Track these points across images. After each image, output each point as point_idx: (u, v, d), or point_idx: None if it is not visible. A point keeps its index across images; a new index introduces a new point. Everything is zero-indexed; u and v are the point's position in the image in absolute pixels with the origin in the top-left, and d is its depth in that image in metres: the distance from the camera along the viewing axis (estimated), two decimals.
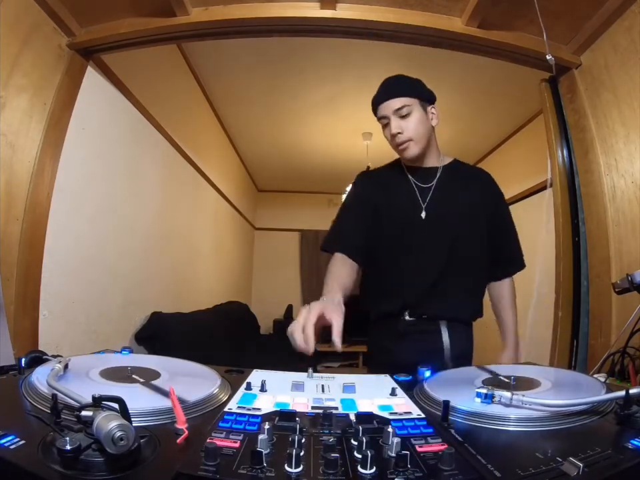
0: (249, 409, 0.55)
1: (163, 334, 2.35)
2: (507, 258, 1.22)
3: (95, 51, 1.70)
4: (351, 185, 1.30)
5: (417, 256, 1.15)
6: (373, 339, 1.23)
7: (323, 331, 0.85)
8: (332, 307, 0.88)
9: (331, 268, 1.12)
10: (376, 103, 1.15)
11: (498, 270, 1.21)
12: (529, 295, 2.01)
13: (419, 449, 0.44)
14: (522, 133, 3.56)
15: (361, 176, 1.30)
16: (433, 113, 1.15)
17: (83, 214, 1.81)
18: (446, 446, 0.44)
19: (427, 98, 1.14)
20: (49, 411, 0.46)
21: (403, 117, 1.10)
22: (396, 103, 1.10)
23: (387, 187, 1.22)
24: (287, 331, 0.81)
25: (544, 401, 0.53)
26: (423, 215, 1.15)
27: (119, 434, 0.37)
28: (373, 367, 1.23)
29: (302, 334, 0.78)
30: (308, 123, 3.76)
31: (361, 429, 0.45)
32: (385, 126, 1.15)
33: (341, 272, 1.10)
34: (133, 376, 0.62)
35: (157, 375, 0.64)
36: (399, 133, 1.11)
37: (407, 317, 1.13)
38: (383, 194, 1.20)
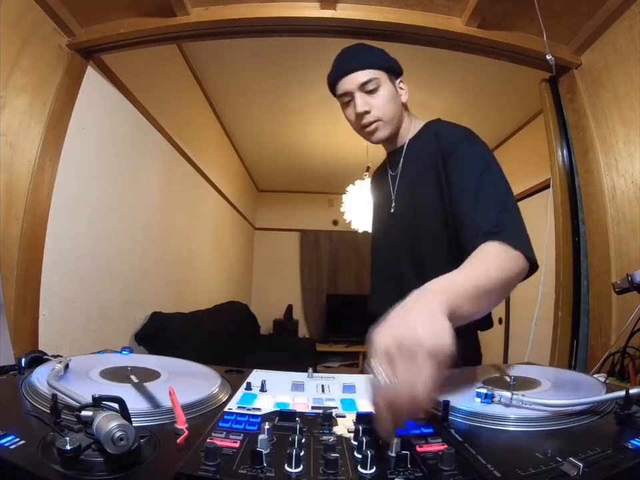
0: (249, 409, 0.55)
1: (163, 334, 2.35)
2: (460, 227, 0.82)
3: (95, 50, 1.70)
4: None
5: (386, 255, 1.02)
6: None
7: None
8: None
9: None
10: (334, 78, 0.95)
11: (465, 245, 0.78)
12: (534, 295, 2.02)
13: (419, 449, 0.44)
14: (522, 132, 3.56)
15: (371, 177, 1.22)
16: (401, 88, 0.99)
17: (83, 214, 1.81)
18: (446, 446, 0.44)
19: (394, 70, 0.98)
20: (48, 411, 0.46)
21: (370, 92, 0.92)
22: (361, 75, 0.92)
23: (376, 183, 1.12)
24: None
25: (544, 401, 0.53)
26: (393, 208, 0.99)
27: (118, 434, 0.37)
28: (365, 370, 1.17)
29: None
30: (308, 122, 3.76)
31: (361, 428, 0.45)
32: (347, 104, 0.96)
33: None
34: (132, 376, 0.62)
35: (156, 374, 0.64)
36: (366, 111, 0.92)
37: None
38: (373, 193, 1.14)
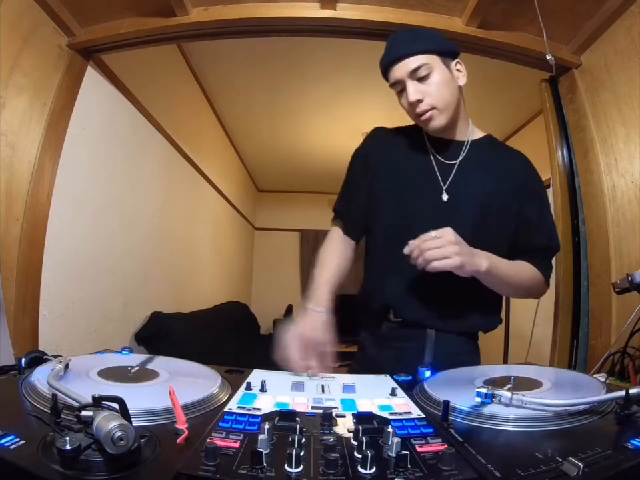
0: (249, 409, 0.55)
1: (163, 334, 2.35)
2: (531, 252, 0.96)
3: (95, 50, 1.70)
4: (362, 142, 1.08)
5: None
6: (360, 336, 1.08)
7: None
8: (317, 328, 0.86)
9: (323, 253, 1.02)
10: (385, 65, 0.91)
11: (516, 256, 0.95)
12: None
13: (418, 449, 0.44)
14: (522, 132, 3.56)
15: (373, 132, 1.08)
16: (459, 70, 0.93)
17: (83, 214, 1.81)
18: (446, 446, 0.44)
19: (449, 52, 0.92)
20: (49, 411, 0.46)
21: (422, 79, 0.88)
22: (412, 62, 0.87)
23: (401, 157, 1.00)
24: (277, 358, 0.80)
25: (544, 401, 0.53)
26: (445, 197, 0.94)
27: (118, 434, 0.37)
28: (352, 368, 1.07)
29: (297, 363, 0.77)
30: (308, 122, 3.76)
31: (361, 428, 0.45)
32: (400, 92, 0.92)
33: (334, 259, 1.01)
34: (132, 376, 0.62)
35: (156, 374, 0.64)
36: (419, 100, 0.88)
37: (392, 318, 0.97)
38: (395, 164, 1.00)
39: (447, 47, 0.93)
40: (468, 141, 0.98)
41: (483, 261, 0.83)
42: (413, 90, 0.88)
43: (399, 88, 0.92)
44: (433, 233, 0.79)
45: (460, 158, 0.96)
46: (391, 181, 1.00)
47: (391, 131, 1.06)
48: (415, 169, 0.98)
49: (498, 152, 1.00)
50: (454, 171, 0.95)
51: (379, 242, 1.02)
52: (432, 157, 0.97)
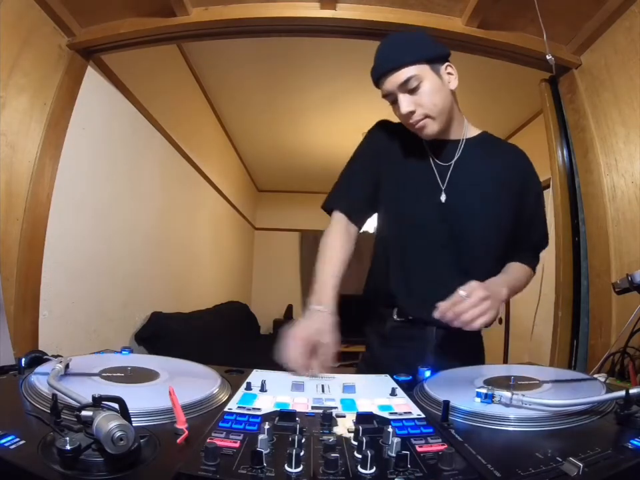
0: (249, 409, 0.55)
1: (163, 334, 2.35)
2: (524, 247, 1.04)
3: (95, 50, 1.70)
4: (366, 134, 1.08)
5: (427, 246, 0.97)
6: (366, 334, 1.09)
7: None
8: (322, 330, 0.84)
9: (325, 247, 1.01)
10: (376, 77, 0.92)
11: (514, 256, 1.03)
12: (534, 295, 2.01)
13: (418, 449, 0.44)
14: (522, 132, 3.56)
15: (380, 125, 1.07)
16: (449, 74, 0.92)
17: (83, 214, 1.81)
18: (446, 446, 0.44)
19: (438, 57, 0.91)
20: (49, 411, 0.46)
21: (412, 90, 0.88)
22: (400, 75, 0.87)
23: (402, 158, 1.01)
24: (279, 359, 0.78)
25: (544, 401, 0.53)
26: (443, 198, 0.95)
27: (118, 434, 0.37)
28: (359, 368, 1.09)
29: (297, 364, 0.76)
30: (308, 122, 3.76)
31: (361, 428, 0.45)
32: (393, 103, 0.93)
33: (337, 254, 1.00)
34: (132, 376, 0.62)
35: (156, 375, 0.64)
36: (411, 111, 0.89)
37: (395, 317, 0.99)
38: (396, 164, 1.01)
39: (436, 53, 0.92)
40: (463, 140, 0.99)
41: (503, 291, 0.88)
42: (405, 103, 0.89)
43: (391, 99, 0.92)
44: (462, 293, 0.78)
45: (455, 158, 0.98)
46: (394, 188, 1.01)
47: (395, 129, 1.04)
48: (415, 173, 1.00)
49: (495, 148, 1.02)
50: (450, 171, 0.97)
51: (385, 246, 1.04)
52: (430, 160, 0.99)
